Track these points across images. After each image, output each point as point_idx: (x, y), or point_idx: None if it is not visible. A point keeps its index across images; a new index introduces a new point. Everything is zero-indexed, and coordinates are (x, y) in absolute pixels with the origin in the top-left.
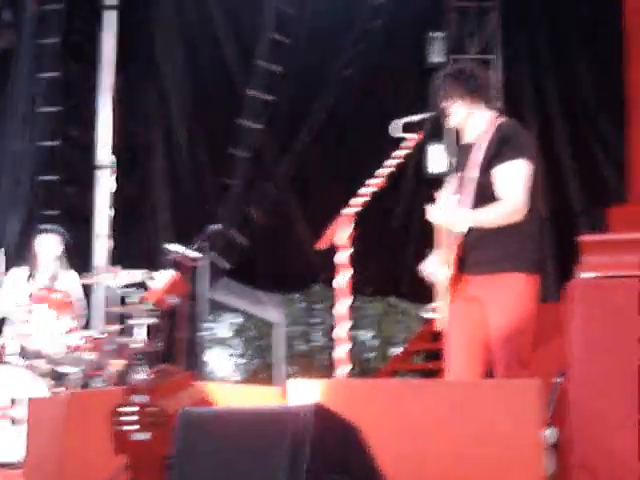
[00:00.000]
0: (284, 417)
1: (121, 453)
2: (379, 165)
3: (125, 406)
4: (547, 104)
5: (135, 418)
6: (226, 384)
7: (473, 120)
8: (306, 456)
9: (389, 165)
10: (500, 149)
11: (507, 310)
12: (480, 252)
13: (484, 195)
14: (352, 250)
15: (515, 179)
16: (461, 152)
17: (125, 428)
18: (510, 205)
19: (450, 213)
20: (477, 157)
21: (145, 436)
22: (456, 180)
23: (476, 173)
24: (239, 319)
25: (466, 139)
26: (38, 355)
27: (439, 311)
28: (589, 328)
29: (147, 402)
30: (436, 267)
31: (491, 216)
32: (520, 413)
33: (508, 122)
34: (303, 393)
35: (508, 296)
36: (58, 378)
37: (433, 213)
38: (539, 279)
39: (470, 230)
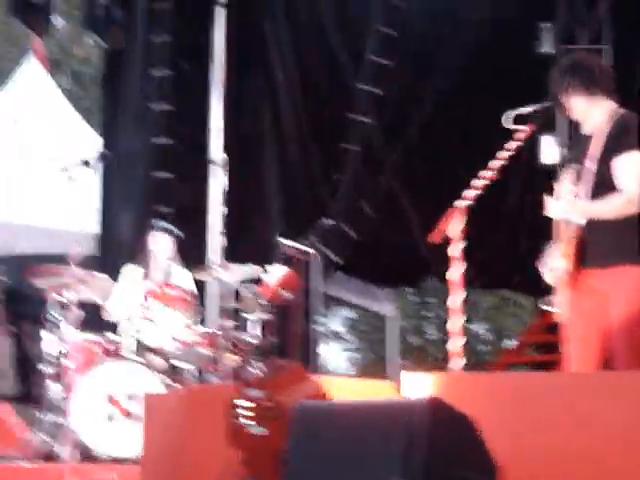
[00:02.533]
0: (399, 410)
1: (237, 448)
2: (490, 157)
3: (240, 401)
4: None
5: (251, 413)
6: (340, 377)
7: (592, 112)
8: (422, 449)
9: (501, 157)
10: (618, 141)
11: (628, 302)
12: (598, 245)
13: (602, 186)
14: (465, 243)
15: (631, 171)
16: (579, 143)
17: (241, 422)
18: (625, 197)
19: (568, 205)
20: (595, 148)
21: (261, 430)
22: (573, 172)
23: (594, 164)
24: (352, 313)
25: (585, 130)
26: (154, 351)
27: (558, 304)
28: None
29: (262, 396)
30: (555, 261)
31: (607, 208)
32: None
33: (628, 114)
34: (417, 386)
35: (628, 288)
36: (174, 374)
37: (551, 206)
38: None
39: (588, 223)
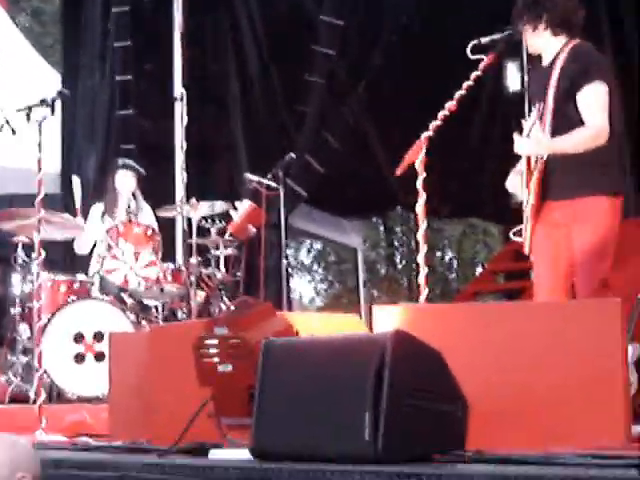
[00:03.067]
0: (365, 345)
1: (206, 385)
2: (454, 86)
3: (207, 339)
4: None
5: (218, 350)
6: (308, 313)
7: (551, 45)
8: (391, 383)
9: (465, 87)
10: (577, 73)
11: (591, 233)
12: (562, 177)
13: (563, 120)
14: (425, 174)
15: (595, 103)
16: (538, 76)
17: (209, 360)
18: (593, 130)
19: (534, 142)
20: (554, 81)
21: (228, 367)
22: (536, 107)
23: (550, 99)
24: (319, 245)
25: (544, 62)
26: (120, 289)
27: (523, 234)
28: None
29: (229, 334)
30: (518, 187)
31: (574, 142)
32: (602, 332)
33: (582, 44)
34: (386, 319)
35: (591, 219)
36: (141, 311)
37: (519, 143)
38: (621, 200)
39: (551, 155)
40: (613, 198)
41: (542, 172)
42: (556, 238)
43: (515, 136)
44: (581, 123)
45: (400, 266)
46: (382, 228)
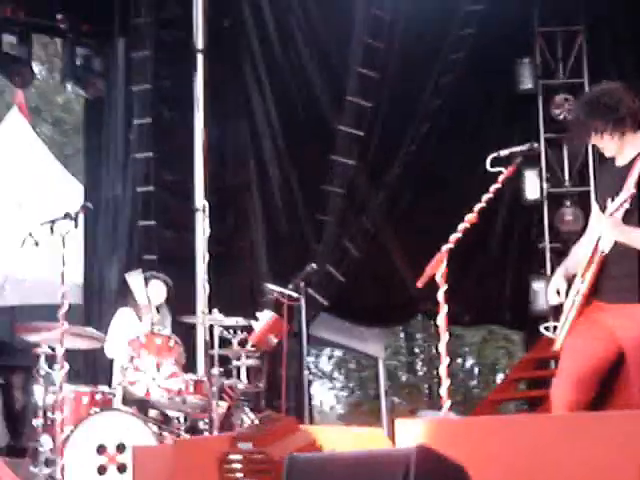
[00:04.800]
0: (388, 460)
1: None
2: (472, 195)
3: (231, 454)
4: None
5: (242, 466)
6: (330, 427)
7: (624, 146)
8: None
9: (484, 200)
10: None
11: None
12: (618, 280)
13: (632, 218)
14: (446, 286)
15: None
16: (610, 174)
17: (233, 476)
18: None
19: (612, 223)
20: (630, 180)
21: None
22: (600, 204)
23: (627, 196)
24: (339, 352)
25: (617, 162)
26: (143, 401)
27: (560, 332)
28: None
29: (253, 449)
30: (562, 289)
31: None
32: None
33: None
34: (410, 433)
35: None
36: (164, 423)
37: (604, 222)
38: None
39: (611, 253)
40: None
41: (600, 265)
42: (598, 335)
43: (597, 212)
44: None
45: (421, 373)
46: (402, 335)
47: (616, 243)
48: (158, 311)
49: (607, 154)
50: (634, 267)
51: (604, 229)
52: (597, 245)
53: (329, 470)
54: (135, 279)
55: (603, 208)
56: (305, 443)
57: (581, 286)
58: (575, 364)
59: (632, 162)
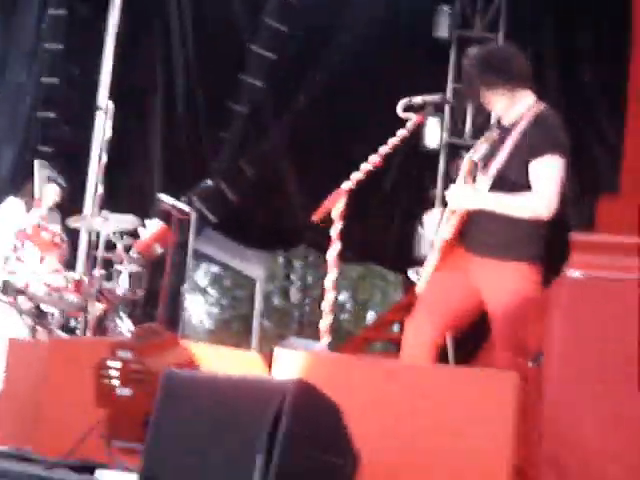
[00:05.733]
0: (266, 390)
1: (103, 406)
2: (374, 138)
3: (110, 360)
4: (546, 86)
5: (118, 374)
6: (210, 345)
7: (512, 106)
8: (287, 431)
9: (390, 144)
10: (538, 141)
11: (509, 298)
12: (487, 234)
13: (507, 181)
14: (342, 224)
15: (551, 177)
16: (493, 134)
17: (109, 382)
18: (543, 202)
19: (473, 193)
20: (509, 140)
21: (127, 392)
22: (474, 157)
23: (504, 155)
24: (216, 269)
25: (503, 122)
26: (20, 292)
27: (422, 275)
28: (569, 326)
29: (132, 359)
30: (434, 223)
31: (520, 204)
32: (496, 403)
33: (548, 111)
34: (288, 363)
35: (510, 284)
36: (39, 316)
37: (456, 192)
38: (541, 269)
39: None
40: (534, 265)
41: (466, 215)
42: (461, 283)
43: (453, 185)
44: (525, 190)
45: (294, 299)
46: (281, 260)
47: None
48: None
49: (495, 111)
50: (503, 223)
51: (467, 197)
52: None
53: (206, 389)
54: (40, 171)
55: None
56: (184, 359)
57: (445, 230)
58: (436, 301)
59: (513, 125)
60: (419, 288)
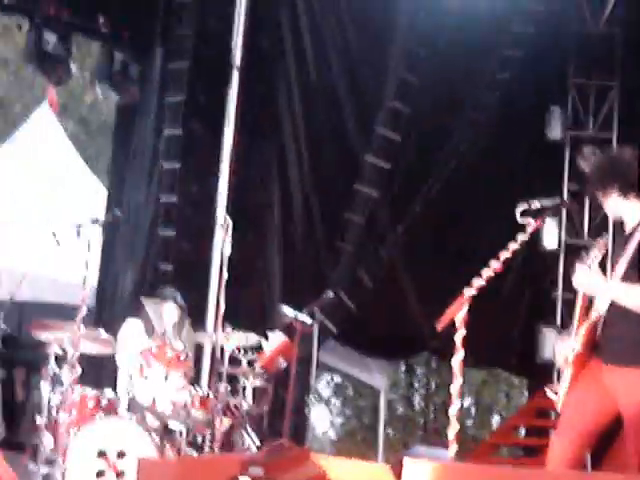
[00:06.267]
0: None
1: None
2: (492, 240)
3: (242, 476)
4: None
5: None
6: (340, 459)
7: (628, 211)
8: None
9: (509, 249)
10: None
11: None
12: (618, 342)
13: (633, 279)
14: (465, 331)
15: None
16: (619, 239)
17: None
18: None
19: (600, 279)
20: (631, 243)
21: None
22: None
23: (627, 257)
24: (339, 379)
25: (626, 229)
26: (148, 410)
27: (560, 392)
28: None
29: (264, 475)
30: (570, 340)
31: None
32: None
33: None
34: (416, 473)
35: None
36: (166, 434)
37: (581, 275)
38: None
39: (611, 315)
40: None
41: (594, 324)
42: (597, 394)
43: (578, 265)
44: None
45: (417, 407)
46: (403, 368)
47: (614, 304)
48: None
49: (610, 215)
50: (632, 329)
51: (592, 282)
52: (587, 300)
53: None
54: (151, 307)
55: (611, 269)
56: (314, 474)
57: (575, 344)
58: (576, 419)
59: (634, 230)
60: (559, 405)
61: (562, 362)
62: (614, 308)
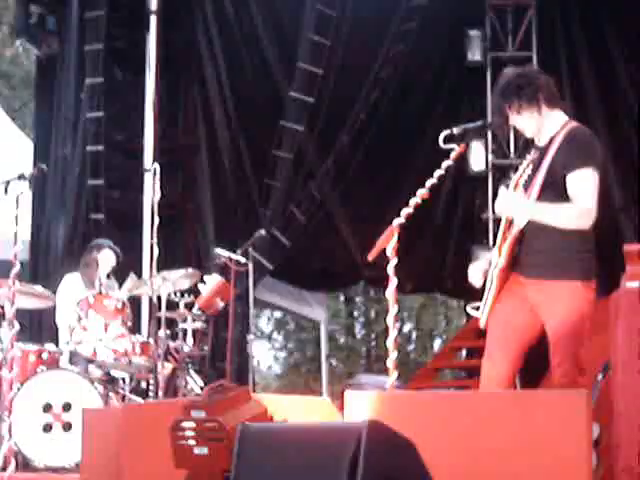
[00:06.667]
0: (340, 434)
1: (181, 467)
2: (420, 167)
3: (184, 421)
4: (585, 103)
5: (194, 433)
6: (279, 395)
7: (544, 126)
8: (365, 473)
9: (435, 176)
10: (571, 157)
11: (565, 315)
12: (537, 256)
13: (549, 197)
14: (397, 259)
15: (586, 187)
16: (530, 151)
17: (185, 443)
18: (583, 210)
19: (520, 201)
20: (546, 159)
21: (205, 450)
22: (520, 180)
23: (543, 174)
24: (278, 314)
25: (538, 142)
26: (89, 361)
27: (483, 309)
28: (631, 334)
29: (206, 418)
30: (478, 277)
31: (561, 213)
32: (569, 422)
33: (580, 128)
34: (359, 405)
35: (566, 302)
36: (109, 383)
37: (501, 200)
38: (594, 286)
39: (531, 230)
40: (587, 283)
41: (516, 239)
42: (521, 310)
43: (501, 190)
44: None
45: (359, 336)
46: (342, 298)
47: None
48: (108, 277)
49: (527, 134)
50: (552, 242)
51: (515, 206)
52: (510, 220)
53: (281, 440)
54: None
55: (525, 187)
56: (257, 412)
57: (498, 260)
58: (501, 336)
59: (548, 145)
60: (483, 322)
61: (478, 281)
62: (533, 223)
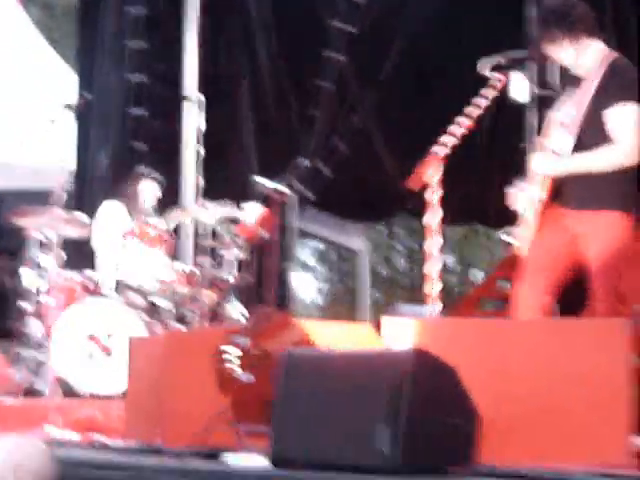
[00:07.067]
0: (384, 361)
1: (224, 393)
2: (464, 101)
3: (228, 348)
4: (627, 37)
5: (238, 360)
6: (323, 322)
7: (582, 57)
8: (407, 400)
9: (478, 104)
10: (612, 91)
11: (605, 248)
12: (578, 186)
13: (590, 136)
14: (442, 191)
15: (627, 123)
16: (570, 84)
17: (229, 369)
18: (621, 149)
19: (555, 161)
20: (586, 94)
21: (248, 377)
22: (558, 116)
23: (583, 110)
24: (321, 245)
25: (576, 73)
26: (133, 289)
27: (520, 236)
28: None
29: (249, 344)
30: (531, 188)
31: (600, 161)
32: (609, 350)
33: (621, 60)
34: (398, 331)
35: (606, 234)
36: (154, 312)
37: (537, 162)
38: (634, 216)
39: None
40: (628, 214)
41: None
42: (562, 240)
43: (534, 154)
44: (607, 141)
45: (401, 268)
46: (382, 228)
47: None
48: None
49: (565, 63)
50: (594, 176)
51: (549, 165)
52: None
53: (324, 366)
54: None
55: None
56: (299, 338)
57: (539, 191)
58: (541, 264)
59: (588, 78)
60: (521, 250)
61: (523, 210)
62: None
